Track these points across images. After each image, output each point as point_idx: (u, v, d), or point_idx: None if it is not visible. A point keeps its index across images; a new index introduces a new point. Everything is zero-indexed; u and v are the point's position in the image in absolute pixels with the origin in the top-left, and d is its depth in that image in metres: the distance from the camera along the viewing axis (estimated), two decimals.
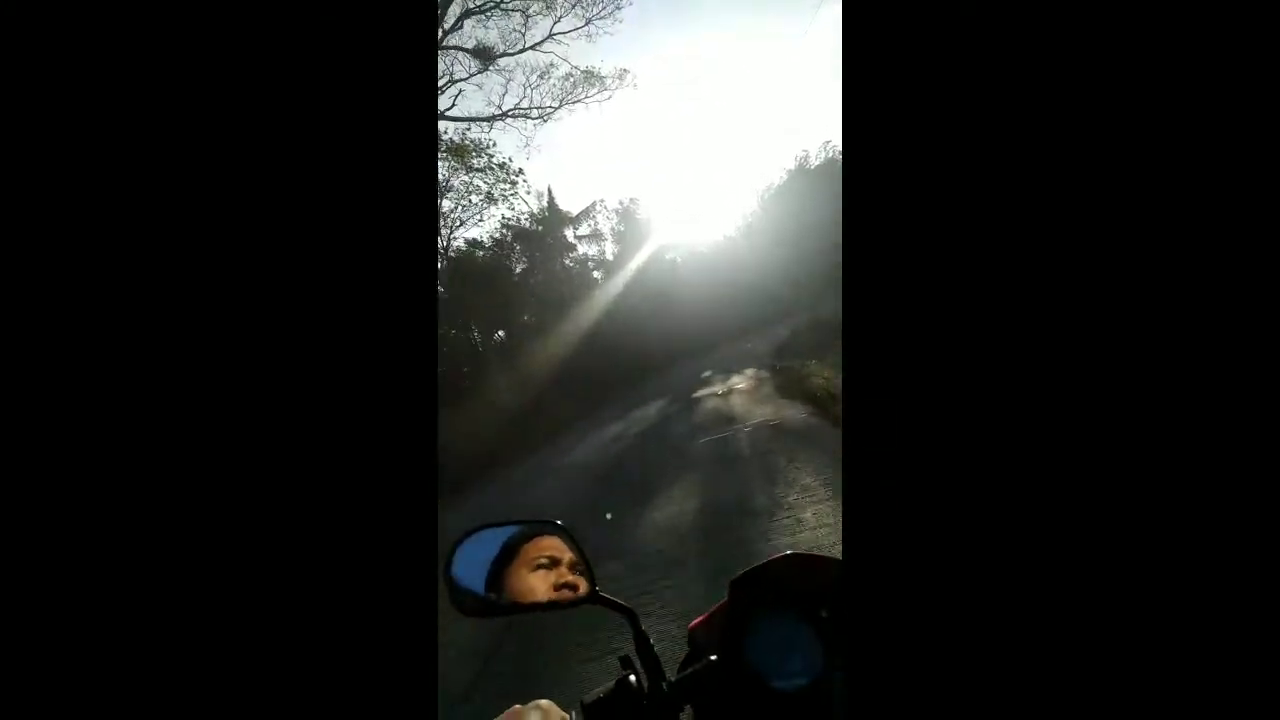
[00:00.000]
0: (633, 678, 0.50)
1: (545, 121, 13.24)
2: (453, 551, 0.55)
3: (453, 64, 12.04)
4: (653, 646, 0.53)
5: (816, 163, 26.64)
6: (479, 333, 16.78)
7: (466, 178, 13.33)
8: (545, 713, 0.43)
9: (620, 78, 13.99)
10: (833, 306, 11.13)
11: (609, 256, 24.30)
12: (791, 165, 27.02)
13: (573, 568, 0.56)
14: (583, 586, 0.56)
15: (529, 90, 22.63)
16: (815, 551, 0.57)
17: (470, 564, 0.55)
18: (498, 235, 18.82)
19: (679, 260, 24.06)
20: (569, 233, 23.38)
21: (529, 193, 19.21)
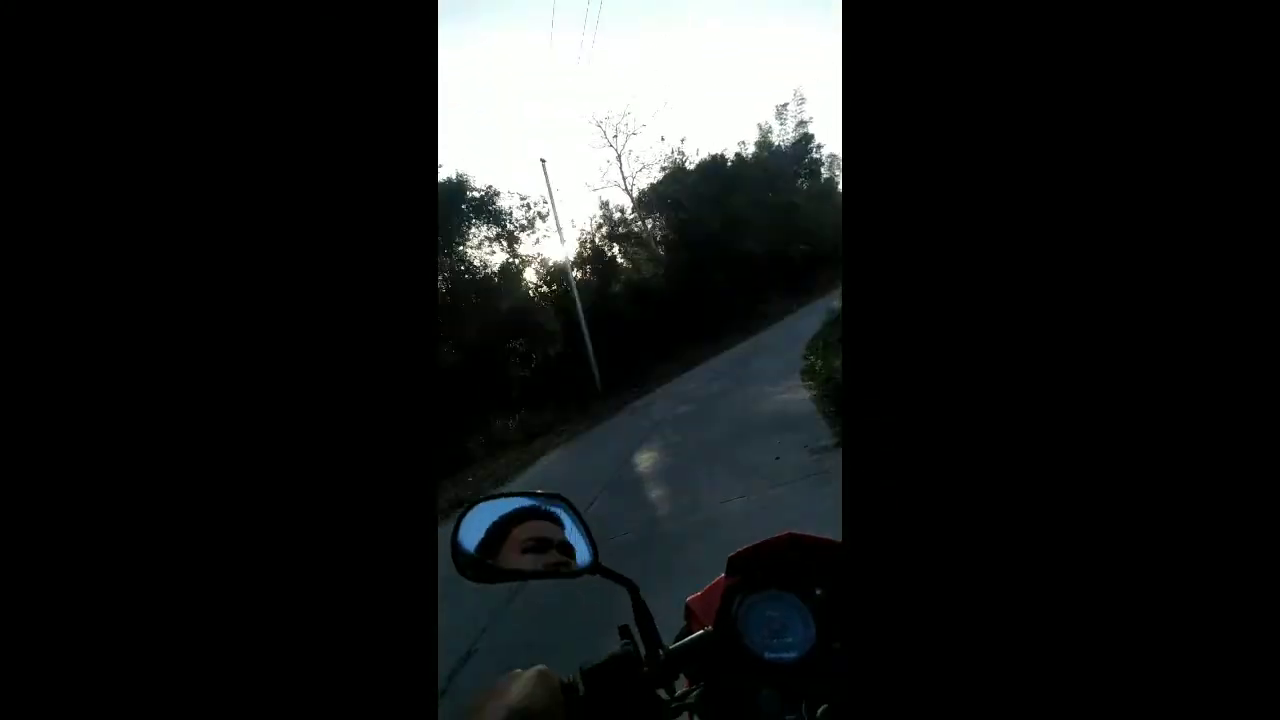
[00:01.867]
0: (631, 647, 0.51)
1: None
2: (460, 518, 0.55)
3: None
4: (651, 617, 0.53)
5: (695, 161, 19.89)
6: None
7: None
8: (544, 678, 0.43)
9: None
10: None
11: None
12: (665, 164, 19.66)
13: (574, 539, 0.57)
14: (586, 557, 0.57)
15: None
16: (813, 534, 0.57)
17: (476, 531, 0.55)
18: None
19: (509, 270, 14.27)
20: None
21: None
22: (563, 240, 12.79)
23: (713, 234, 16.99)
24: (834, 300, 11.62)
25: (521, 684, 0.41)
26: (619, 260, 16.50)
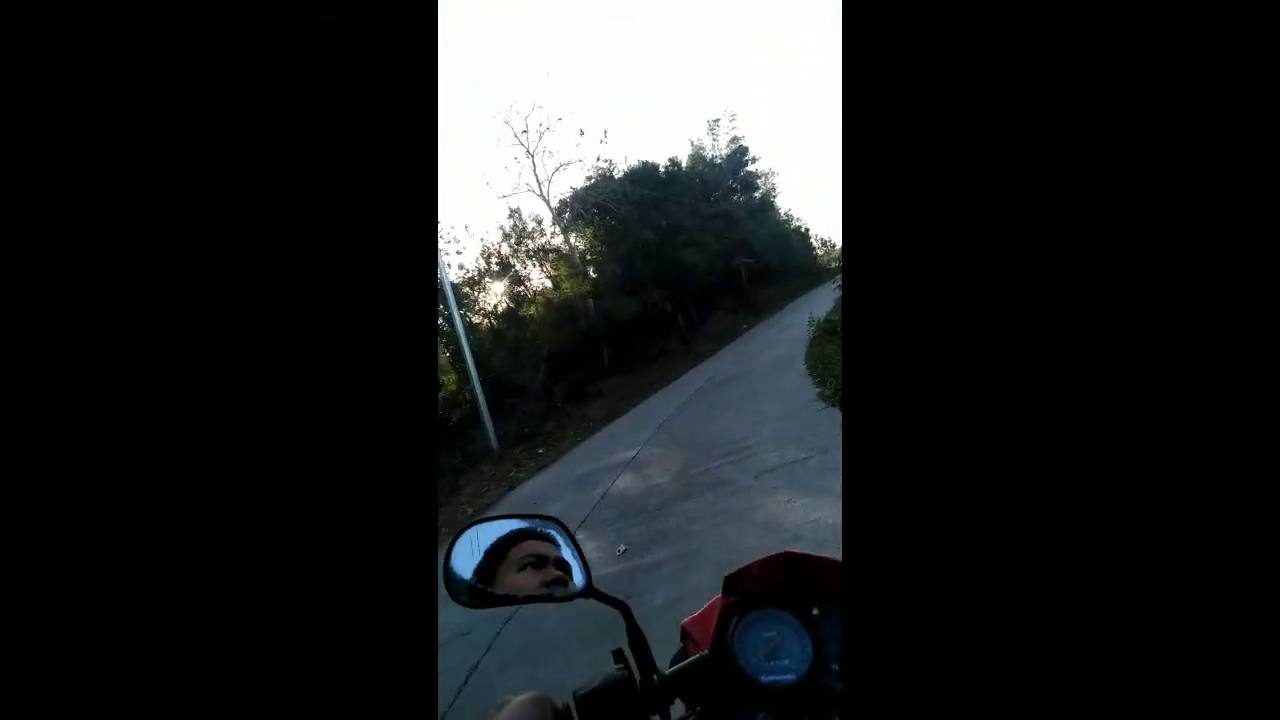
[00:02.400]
0: (625, 671, 0.51)
1: None
2: (452, 542, 0.55)
3: None
4: (646, 640, 0.52)
5: (623, 169, 17.53)
6: None
7: None
8: (538, 704, 0.44)
9: None
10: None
11: None
12: (591, 172, 17.13)
13: (567, 562, 0.57)
14: (578, 581, 0.56)
15: None
16: (809, 552, 0.57)
17: (468, 555, 0.55)
18: None
19: None
20: None
21: None
22: (446, 250, 9.71)
23: (646, 245, 14.63)
24: (788, 315, 9.19)
25: (515, 710, 0.42)
26: (531, 279, 13.64)
